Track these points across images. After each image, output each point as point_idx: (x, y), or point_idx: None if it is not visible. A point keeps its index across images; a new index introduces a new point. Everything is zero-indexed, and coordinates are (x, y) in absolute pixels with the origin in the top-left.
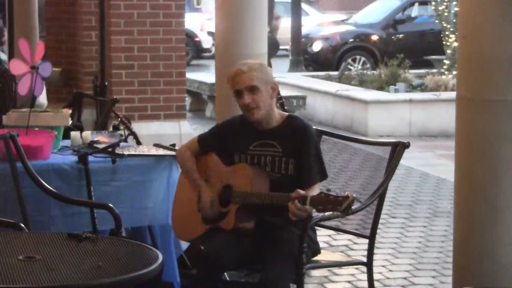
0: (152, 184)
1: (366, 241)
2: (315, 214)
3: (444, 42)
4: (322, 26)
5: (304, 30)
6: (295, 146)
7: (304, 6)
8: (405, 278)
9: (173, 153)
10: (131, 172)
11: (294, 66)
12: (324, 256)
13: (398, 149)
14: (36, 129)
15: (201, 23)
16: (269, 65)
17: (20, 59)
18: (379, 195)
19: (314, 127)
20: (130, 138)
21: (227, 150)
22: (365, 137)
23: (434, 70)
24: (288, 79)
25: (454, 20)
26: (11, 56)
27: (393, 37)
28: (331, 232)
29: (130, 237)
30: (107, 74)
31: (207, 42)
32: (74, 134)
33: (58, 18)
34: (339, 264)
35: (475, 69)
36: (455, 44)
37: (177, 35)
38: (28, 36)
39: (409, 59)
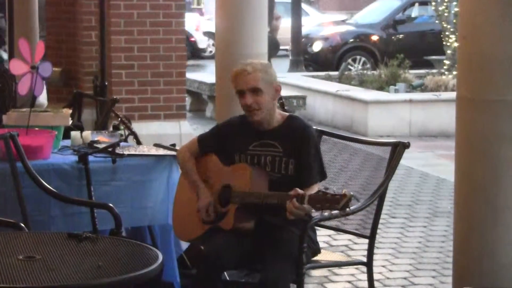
0: (152, 184)
1: (366, 241)
2: (315, 214)
3: (444, 43)
4: (322, 26)
5: (304, 30)
6: (296, 146)
7: (304, 6)
8: (405, 278)
9: (173, 153)
10: (131, 172)
11: (294, 66)
12: (324, 256)
13: (398, 149)
14: (36, 129)
15: (196, 23)
16: None
17: (20, 59)
18: (379, 195)
19: (314, 127)
20: (130, 138)
21: (227, 151)
22: (365, 137)
23: (434, 70)
24: (288, 79)
25: (454, 21)
26: (11, 56)
27: (393, 37)
28: (331, 232)
29: (130, 237)
30: (107, 74)
31: (202, 42)
32: (74, 134)
33: (58, 18)
34: (339, 264)
35: (475, 69)
36: (455, 44)
37: (177, 35)
38: (28, 36)
39: (409, 59)
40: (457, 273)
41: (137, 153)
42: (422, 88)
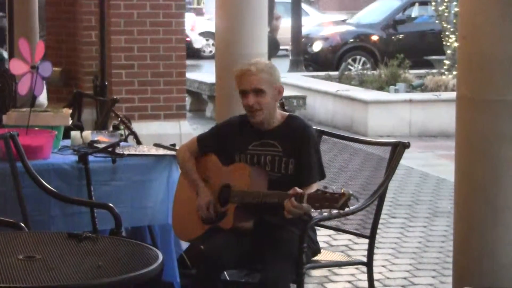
0: (152, 184)
1: (366, 241)
2: (315, 213)
3: (444, 43)
4: (322, 26)
5: (304, 30)
6: (295, 146)
7: (304, 6)
8: (405, 278)
9: (173, 153)
10: (131, 172)
11: (294, 66)
12: (324, 256)
13: (398, 149)
14: (36, 128)
15: (192, 23)
16: None
17: (20, 59)
18: (379, 195)
19: (314, 127)
20: (130, 138)
21: (227, 150)
22: (365, 137)
23: (434, 70)
24: (288, 79)
25: (454, 21)
26: (11, 56)
27: (393, 37)
28: (331, 232)
29: (130, 237)
30: (107, 74)
31: (197, 42)
32: (74, 134)
33: (58, 18)
34: (339, 264)
35: (475, 69)
36: (455, 44)
37: (177, 35)
38: (28, 36)
39: (409, 59)
40: (457, 273)
41: (137, 153)
42: (422, 88)
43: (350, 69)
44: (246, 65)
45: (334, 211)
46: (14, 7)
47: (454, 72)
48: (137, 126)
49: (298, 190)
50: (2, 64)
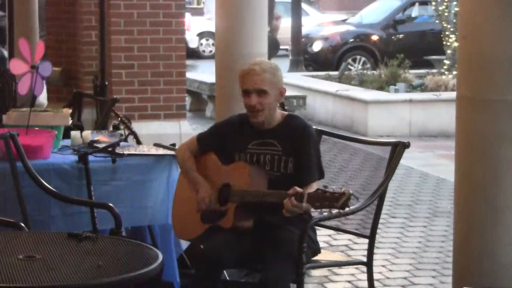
0: (152, 184)
1: (366, 241)
2: (315, 213)
3: (444, 42)
4: (322, 26)
5: (304, 30)
6: (295, 145)
7: (304, 6)
8: (405, 278)
9: (173, 152)
10: (131, 172)
11: (294, 66)
12: (324, 255)
13: (398, 149)
14: (36, 128)
15: (187, 23)
16: None
17: (20, 59)
18: (379, 195)
19: (314, 127)
20: (130, 138)
21: (226, 150)
22: (365, 137)
23: (434, 70)
24: (288, 79)
25: (454, 20)
26: (11, 55)
27: (393, 37)
28: (331, 232)
29: (130, 237)
30: (107, 74)
31: (193, 42)
32: (74, 133)
33: (58, 18)
34: (339, 264)
35: (475, 69)
36: (455, 44)
37: (177, 34)
38: (28, 36)
39: (409, 59)
40: (457, 273)
41: (137, 152)
42: (422, 88)
43: (350, 69)
44: (251, 65)
45: (334, 211)
46: (14, 7)
47: (454, 72)
48: (137, 126)
49: (298, 189)
50: (2, 64)
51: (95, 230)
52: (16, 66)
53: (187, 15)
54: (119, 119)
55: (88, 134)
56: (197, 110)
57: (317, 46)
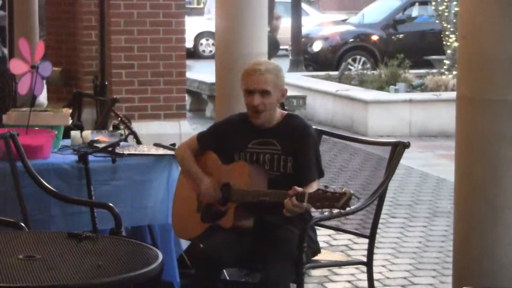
0: (152, 184)
1: (366, 240)
2: (315, 213)
3: (444, 42)
4: (322, 26)
5: (304, 30)
6: (294, 144)
7: (304, 6)
8: (405, 278)
9: (173, 152)
10: (131, 172)
11: (294, 66)
12: (324, 255)
13: (398, 149)
14: (36, 128)
15: None
16: None
17: (20, 59)
18: (379, 195)
19: (314, 127)
20: (130, 138)
21: (226, 149)
22: (365, 137)
23: (434, 70)
24: (288, 79)
25: (454, 20)
26: (11, 55)
27: (393, 37)
28: (331, 231)
29: (130, 237)
30: (107, 74)
31: (189, 42)
32: (74, 133)
33: (58, 17)
34: (339, 264)
35: (475, 69)
36: (455, 44)
37: (177, 34)
38: (28, 36)
39: (409, 59)
40: (457, 273)
41: (137, 152)
42: (422, 88)
43: (350, 69)
44: (254, 65)
45: (335, 211)
46: (14, 7)
47: (454, 72)
48: (137, 126)
49: (299, 189)
50: (3, 63)
51: (95, 230)
52: (16, 66)
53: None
54: (119, 119)
55: (88, 134)
56: (197, 110)
57: (317, 46)
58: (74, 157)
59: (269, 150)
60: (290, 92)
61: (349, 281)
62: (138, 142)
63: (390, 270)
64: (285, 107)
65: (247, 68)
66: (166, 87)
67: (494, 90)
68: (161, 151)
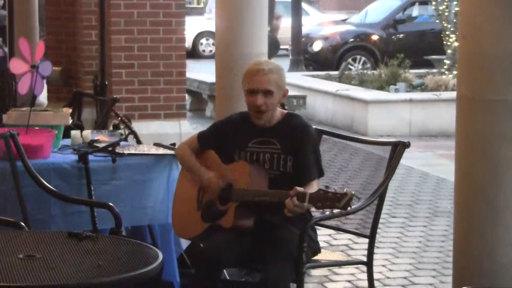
0: (152, 183)
1: (366, 240)
2: (315, 212)
3: (444, 42)
4: (322, 25)
5: (304, 30)
6: (294, 143)
7: (304, 5)
8: (405, 278)
9: (173, 152)
10: (131, 171)
11: (294, 66)
12: (324, 255)
13: (398, 148)
14: (36, 128)
15: None
16: None
17: (20, 58)
18: (379, 195)
19: (314, 126)
20: (130, 137)
21: (226, 148)
22: (365, 136)
23: (434, 70)
24: (288, 78)
25: (454, 20)
26: (11, 55)
27: (393, 37)
28: (331, 231)
29: (130, 236)
30: (107, 73)
31: (186, 42)
32: (74, 133)
33: (58, 17)
34: (339, 264)
35: (475, 69)
36: (456, 44)
37: (177, 34)
38: (28, 35)
39: (409, 59)
40: (457, 273)
41: (137, 152)
42: (422, 87)
43: (350, 69)
44: (258, 65)
45: (336, 211)
46: (14, 7)
47: (455, 72)
48: (137, 126)
49: (300, 189)
50: (3, 62)
51: (95, 229)
52: (16, 66)
53: None
54: (119, 118)
55: (88, 134)
56: (197, 110)
57: (317, 46)
58: (74, 157)
59: (269, 149)
60: (290, 92)
61: (349, 281)
62: (138, 141)
63: (390, 270)
64: (285, 107)
65: (249, 68)
66: (166, 86)
67: (494, 90)
68: (161, 151)
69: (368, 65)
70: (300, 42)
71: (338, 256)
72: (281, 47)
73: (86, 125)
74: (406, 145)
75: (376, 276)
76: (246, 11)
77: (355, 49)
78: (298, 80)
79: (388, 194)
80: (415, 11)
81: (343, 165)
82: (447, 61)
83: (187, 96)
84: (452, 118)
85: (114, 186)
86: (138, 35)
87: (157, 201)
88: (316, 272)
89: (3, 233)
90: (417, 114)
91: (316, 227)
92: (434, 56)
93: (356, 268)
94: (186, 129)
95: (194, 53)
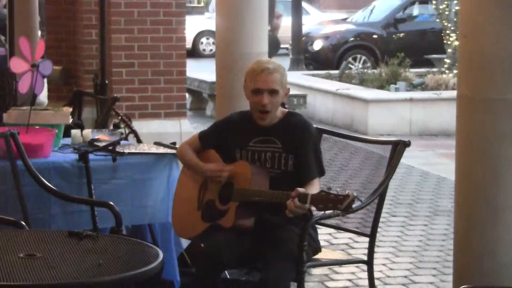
0: (152, 182)
1: (367, 239)
2: (316, 212)
3: (444, 41)
4: (322, 25)
5: (305, 29)
6: (295, 142)
7: (304, 5)
8: (405, 277)
9: (173, 151)
10: (132, 170)
11: (295, 65)
12: (324, 254)
13: (398, 147)
14: (37, 127)
15: None
16: None
17: (20, 58)
18: (380, 194)
19: (314, 125)
20: (131, 137)
21: (228, 147)
22: (365, 136)
23: (434, 69)
24: (288, 78)
25: (454, 19)
26: (11, 54)
27: (393, 36)
28: (332, 230)
29: (130, 235)
30: (107, 73)
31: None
32: (75, 132)
33: (58, 16)
34: (340, 263)
35: (476, 68)
36: (456, 43)
37: (178, 33)
38: (29, 35)
39: (409, 58)
40: (457, 272)
41: (137, 151)
42: (423, 86)
43: (350, 68)
44: (262, 64)
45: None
46: (15, 6)
47: (455, 71)
48: (137, 125)
49: (301, 190)
50: (4, 62)
51: (96, 228)
52: (17, 65)
53: None
54: (120, 117)
55: (88, 133)
56: (197, 109)
57: (317, 45)
58: (75, 156)
59: (271, 148)
60: (290, 91)
61: (349, 280)
62: (139, 140)
63: (391, 269)
64: (286, 106)
65: (253, 68)
66: (166, 86)
67: (494, 89)
68: (161, 150)
69: (369, 64)
70: (300, 41)
71: (338, 255)
72: (282, 46)
73: (87, 124)
74: (407, 144)
75: (376, 275)
76: (247, 11)
77: (355, 48)
78: (298, 79)
79: (389, 193)
80: (416, 10)
81: (343, 164)
82: (447, 60)
83: (187, 95)
84: (453, 117)
85: (114, 185)
86: (139, 34)
87: (157, 200)
88: (316, 271)
89: (3, 232)
90: (418, 113)
91: (317, 226)
92: (434, 55)
93: (357, 267)
94: (186, 128)
95: (194, 52)
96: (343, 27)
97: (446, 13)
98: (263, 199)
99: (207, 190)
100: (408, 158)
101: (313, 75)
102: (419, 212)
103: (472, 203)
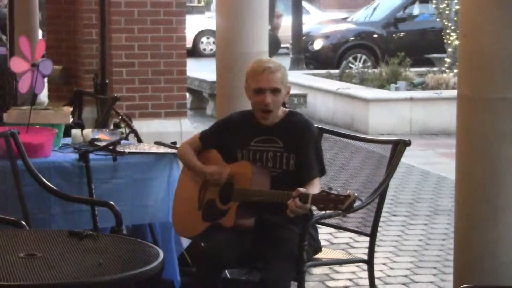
0: (152, 182)
1: (367, 239)
2: (316, 211)
3: (445, 41)
4: (322, 24)
5: (305, 28)
6: (296, 141)
7: (305, 4)
8: (406, 276)
9: (174, 151)
10: (132, 170)
11: (295, 64)
12: (325, 254)
13: (399, 147)
14: (37, 126)
15: None
16: None
17: (20, 57)
18: (380, 193)
19: (315, 125)
20: (131, 136)
21: (229, 147)
22: (365, 135)
23: (435, 69)
24: (289, 77)
25: (455, 19)
26: (11, 54)
27: (394, 35)
28: (332, 230)
29: (131, 235)
30: (107, 72)
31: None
32: (75, 132)
33: (59, 16)
34: (340, 262)
35: (476, 68)
36: (456, 42)
37: (178, 33)
38: (29, 35)
39: (410, 58)
40: (457, 271)
41: (137, 151)
42: (423, 86)
43: (350, 67)
44: (263, 63)
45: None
46: (15, 6)
47: (455, 70)
48: (137, 124)
49: (302, 190)
50: (4, 62)
51: (96, 228)
52: (17, 65)
53: None
54: (120, 117)
55: (88, 132)
56: (197, 109)
57: (317, 45)
58: (75, 156)
59: (272, 148)
60: (291, 91)
61: (350, 279)
62: (139, 140)
63: (391, 268)
64: (286, 105)
65: (254, 67)
66: (166, 85)
67: (494, 89)
68: (162, 150)
69: (369, 64)
70: (300, 40)
71: (339, 255)
72: (282, 45)
73: (87, 124)
74: (407, 143)
75: (377, 274)
76: (247, 10)
77: (355, 47)
78: (298, 78)
79: (389, 192)
80: (416, 9)
81: (344, 164)
82: (447, 60)
83: (187, 94)
84: (453, 116)
85: (114, 184)
86: (139, 34)
87: (157, 199)
88: (317, 270)
89: (3, 232)
90: (418, 113)
91: (317, 225)
92: (434, 55)
93: (357, 266)
94: (186, 127)
95: (194, 52)
96: (343, 26)
97: (447, 12)
98: (264, 199)
99: (207, 190)
100: (408, 157)
101: (313, 74)
102: (419, 211)
103: (472, 203)
